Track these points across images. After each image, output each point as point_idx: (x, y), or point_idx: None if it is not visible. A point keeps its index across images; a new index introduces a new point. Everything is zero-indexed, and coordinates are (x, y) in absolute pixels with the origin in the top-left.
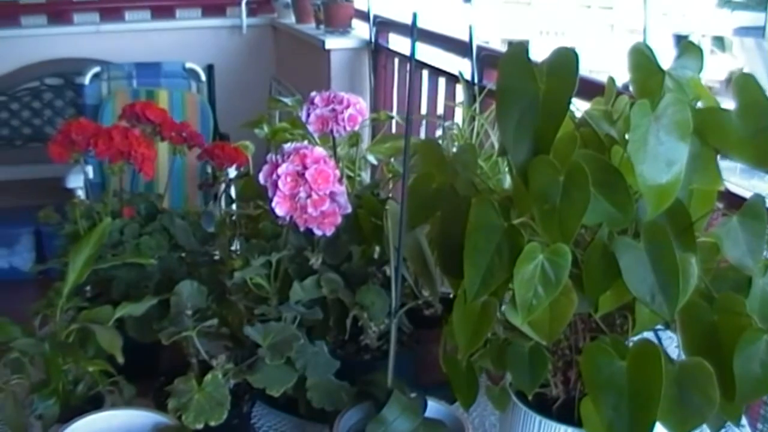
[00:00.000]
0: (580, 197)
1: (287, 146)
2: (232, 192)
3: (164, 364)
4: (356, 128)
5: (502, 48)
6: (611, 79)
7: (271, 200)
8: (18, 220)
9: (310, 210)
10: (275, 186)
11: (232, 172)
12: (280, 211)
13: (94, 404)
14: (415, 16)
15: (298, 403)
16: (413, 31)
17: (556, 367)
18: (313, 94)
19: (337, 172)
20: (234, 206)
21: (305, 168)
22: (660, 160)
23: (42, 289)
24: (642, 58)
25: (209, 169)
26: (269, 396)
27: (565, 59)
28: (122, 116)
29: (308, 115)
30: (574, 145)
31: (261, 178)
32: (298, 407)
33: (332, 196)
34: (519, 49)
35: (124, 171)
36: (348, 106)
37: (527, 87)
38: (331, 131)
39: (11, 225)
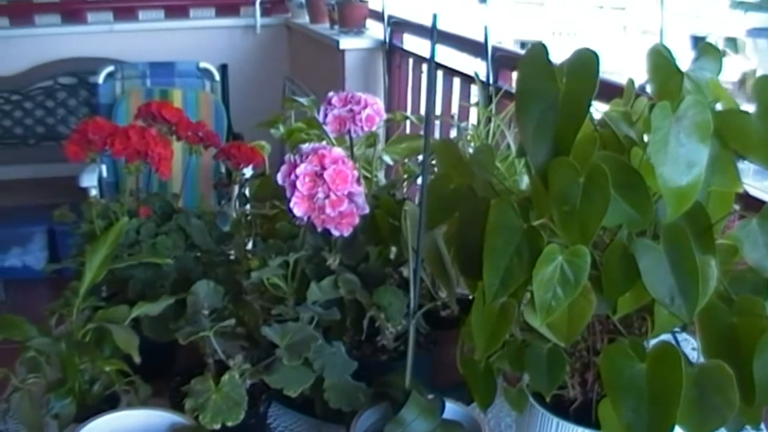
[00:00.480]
0: (601, 199)
1: (305, 146)
2: (246, 191)
3: (179, 364)
4: (374, 129)
5: (515, 49)
6: (631, 81)
7: (289, 200)
8: (31, 219)
9: (328, 210)
10: (293, 186)
11: (248, 172)
12: (298, 211)
13: (110, 404)
14: (435, 17)
15: (315, 404)
16: (433, 33)
17: (573, 368)
18: (330, 94)
19: (356, 173)
20: (248, 206)
21: (324, 168)
22: (680, 162)
23: (55, 288)
24: (661, 60)
25: (223, 169)
26: (285, 396)
27: (586, 60)
28: (138, 115)
29: (326, 116)
30: (593, 147)
31: (279, 178)
32: (314, 407)
33: (350, 196)
34: (539, 49)
35: (141, 170)
36: (366, 107)
37: (547, 88)
38: (349, 132)
39: (24, 224)
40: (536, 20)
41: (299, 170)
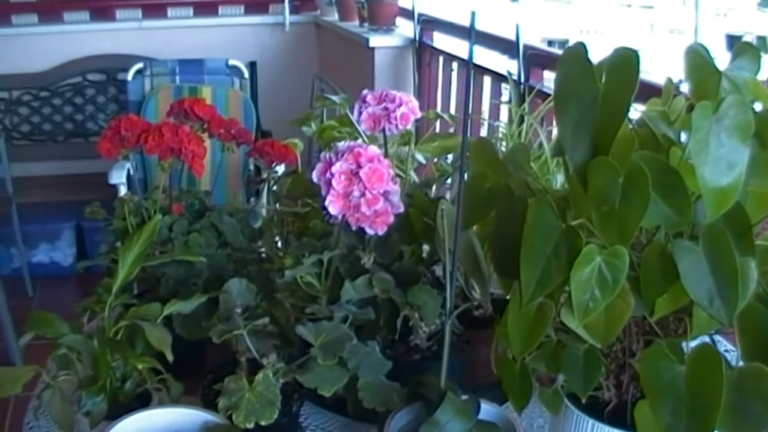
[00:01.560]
0: (640, 199)
1: (341, 145)
2: (275, 189)
3: (210, 362)
4: (408, 127)
5: (547, 47)
6: (669, 80)
7: (324, 199)
8: (59, 215)
9: (363, 209)
10: (329, 184)
11: (278, 170)
12: (333, 209)
13: (142, 402)
14: (473, 16)
15: (347, 403)
16: (471, 33)
17: (608, 370)
18: (364, 92)
19: (391, 171)
20: (277, 203)
21: (359, 167)
22: (721, 162)
23: (82, 284)
24: (698, 59)
25: (252, 166)
26: (317, 395)
27: (626, 59)
28: (170, 112)
29: (360, 114)
30: (632, 146)
31: (314, 176)
32: (346, 406)
33: (386, 195)
34: (578, 48)
35: (174, 168)
36: (400, 105)
37: (586, 87)
38: (383, 130)
39: (53, 220)
40: (563, 19)
41: (335, 168)
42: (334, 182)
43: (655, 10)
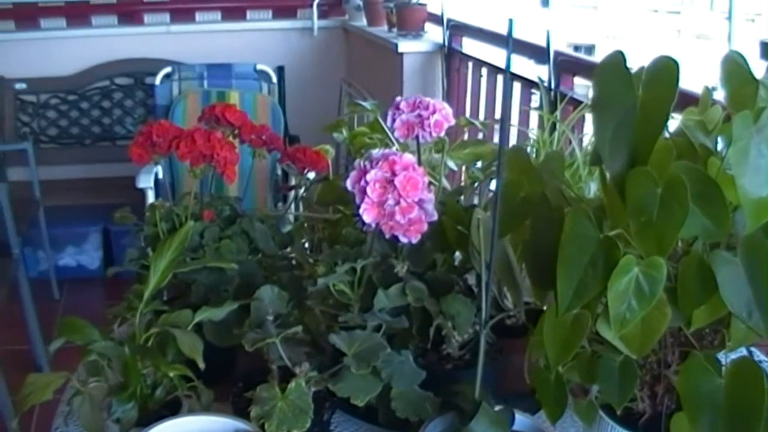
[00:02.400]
0: (679, 210)
1: (375, 152)
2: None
3: (240, 369)
4: (442, 134)
5: (577, 53)
6: (707, 89)
7: (358, 207)
8: (86, 219)
9: (398, 217)
10: (363, 192)
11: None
12: (367, 218)
13: (172, 409)
14: (510, 23)
15: (378, 412)
16: (509, 41)
17: (643, 381)
18: (398, 99)
19: (426, 179)
20: (302, 209)
21: (394, 175)
22: (761, 173)
23: (108, 288)
24: (735, 67)
25: (279, 171)
26: (349, 403)
27: (666, 68)
28: (201, 118)
29: (393, 121)
30: (670, 156)
31: (349, 184)
32: (378, 415)
33: (420, 203)
34: (616, 57)
35: (206, 174)
36: (434, 112)
37: (625, 96)
38: (417, 137)
39: (80, 223)
40: (590, 24)
41: (369, 176)
42: (368, 190)
43: (681, 15)
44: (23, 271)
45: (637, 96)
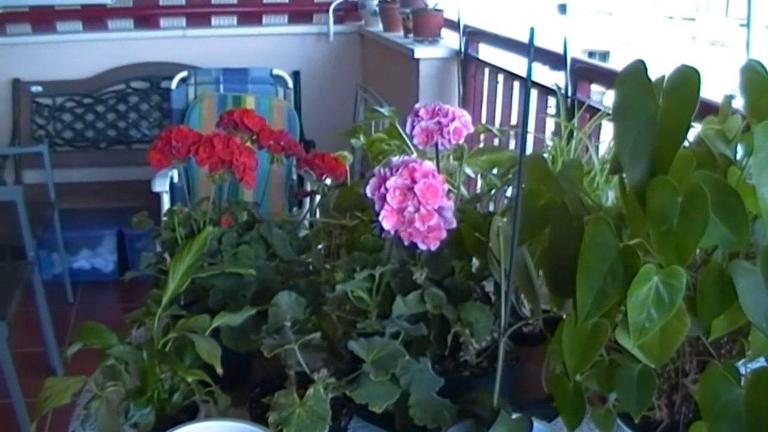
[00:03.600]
0: (699, 219)
1: (395, 159)
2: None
3: (256, 374)
4: (461, 141)
5: (593, 60)
6: (727, 98)
7: (378, 213)
8: (101, 222)
9: (417, 224)
10: (383, 199)
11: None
12: (387, 224)
13: (188, 414)
14: (532, 32)
15: (395, 418)
16: (530, 50)
17: (661, 390)
18: (417, 106)
19: (446, 187)
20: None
21: (414, 182)
22: None
23: (123, 291)
24: (754, 76)
25: (294, 176)
26: (365, 409)
27: (687, 77)
28: (220, 123)
29: (413, 127)
30: (690, 166)
31: (368, 191)
32: (394, 422)
33: (440, 210)
34: (638, 66)
35: (225, 179)
36: (453, 119)
37: (645, 105)
38: (436, 144)
39: (94, 226)
40: (604, 30)
41: (389, 183)
42: (388, 197)
43: (697, 22)
44: (38, 273)
45: (658, 105)
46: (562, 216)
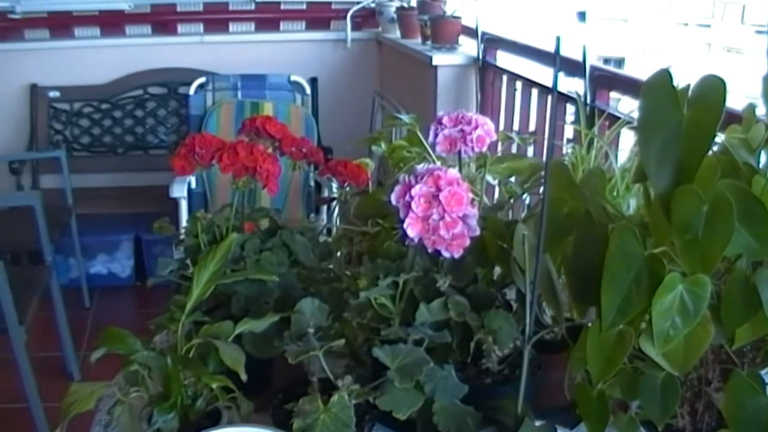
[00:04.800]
0: (725, 228)
1: (420, 167)
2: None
3: (278, 380)
4: (484, 149)
5: (609, 67)
6: (750, 107)
7: (402, 221)
8: (118, 227)
9: (442, 232)
10: (408, 207)
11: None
12: (411, 232)
13: (211, 419)
14: (558, 41)
15: (417, 426)
16: (556, 59)
17: (683, 398)
18: (440, 113)
19: (470, 195)
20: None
21: (439, 190)
22: None
23: (139, 296)
24: None
25: (312, 183)
26: (388, 416)
27: (713, 87)
28: (242, 130)
29: (436, 135)
30: (714, 175)
31: (393, 198)
32: (416, 429)
33: (464, 218)
34: (663, 75)
35: (248, 186)
36: (476, 127)
37: (671, 114)
38: (459, 152)
39: (111, 232)
40: (620, 36)
41: (414, 191)
42: (413, 205)
43: (712, 29)
44: (55, 278)
45: (684, 114)
46: (586, 224)
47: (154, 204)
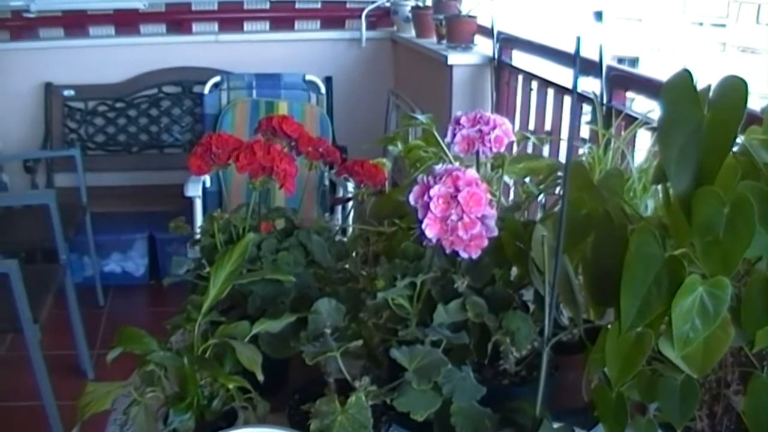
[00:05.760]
0: (745, 230)
1: (438, 168)
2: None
3: (294, 380)
4: (501, 150)
5: (624, 66)
6: None
7: (421, 221)
8: (132, 226)
9: (460, 233)
10: (426, 207)
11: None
12: (430, 233)
13: (227, 420)
14: (578, 41)
15: (434, 426)
16: (576, 61)
17: (702, 400)
18: (458, 114)
19: (489, 195)
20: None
21: (458, 190)
22: None
23: (153, 295)
24: None
25: (326, 182)
26: (404, 417)
27: (734, 88)
28: (258, 129)
29: (454, 135)
30: (735, 176)
31: (411, 199)
32: (433, 430)
33: (483, 219)
34: (683, 75)
35: (265, 186)
36: (494, 127)
37: (691, 115)
38: (477, 152)
39: (126, 230)
40: (634, 36)
41: (433, 192)
42: (431, 205)
43: (727, 28)
44: (69, 276)
45: (704, 115)
46: (605, 225)
47: (168, 203)
